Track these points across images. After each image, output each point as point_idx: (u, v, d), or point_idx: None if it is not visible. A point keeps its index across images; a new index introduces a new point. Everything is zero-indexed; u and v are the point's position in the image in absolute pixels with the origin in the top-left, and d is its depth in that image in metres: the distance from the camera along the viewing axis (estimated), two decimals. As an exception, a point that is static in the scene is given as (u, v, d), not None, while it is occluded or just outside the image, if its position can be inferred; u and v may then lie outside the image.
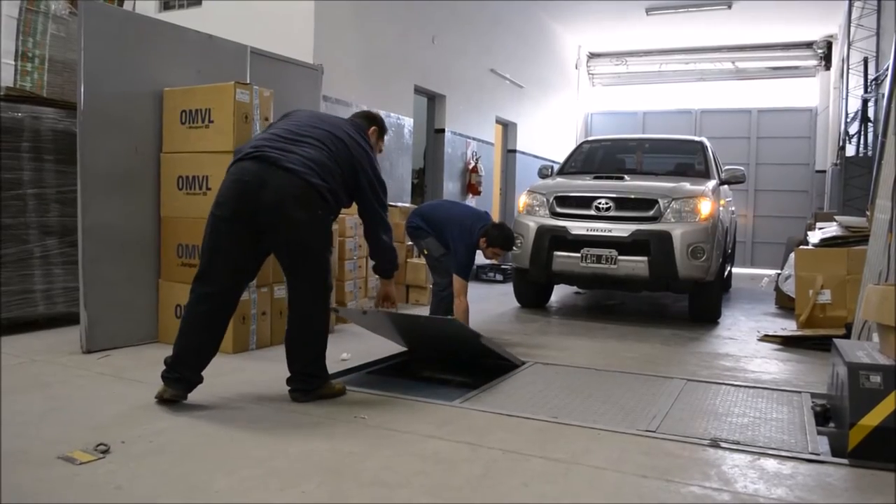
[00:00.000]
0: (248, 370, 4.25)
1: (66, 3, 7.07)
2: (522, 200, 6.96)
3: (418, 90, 9.19)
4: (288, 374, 3.63)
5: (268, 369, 4.20)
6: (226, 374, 4.05)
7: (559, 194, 6.70)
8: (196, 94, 4.86)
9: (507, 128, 12.31)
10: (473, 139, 10.57)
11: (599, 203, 6.44)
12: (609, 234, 6.27)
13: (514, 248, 5.66)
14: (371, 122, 3.95)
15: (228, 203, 3.38)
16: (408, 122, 8.80)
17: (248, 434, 3.09)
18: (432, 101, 9.74)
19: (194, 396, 3.47)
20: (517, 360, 4.69)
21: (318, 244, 3.50)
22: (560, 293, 8.57)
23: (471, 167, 10.46)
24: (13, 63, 6.71)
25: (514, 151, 12.43)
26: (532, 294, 7.41)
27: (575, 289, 8.82)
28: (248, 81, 5.46)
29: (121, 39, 4.76)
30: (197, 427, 3.15)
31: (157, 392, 3.39)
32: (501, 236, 5.16)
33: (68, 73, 6.56)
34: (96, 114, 4.61)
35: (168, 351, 3.47)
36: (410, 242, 7.53)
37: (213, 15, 7.64)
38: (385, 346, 5.00)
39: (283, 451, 2.88)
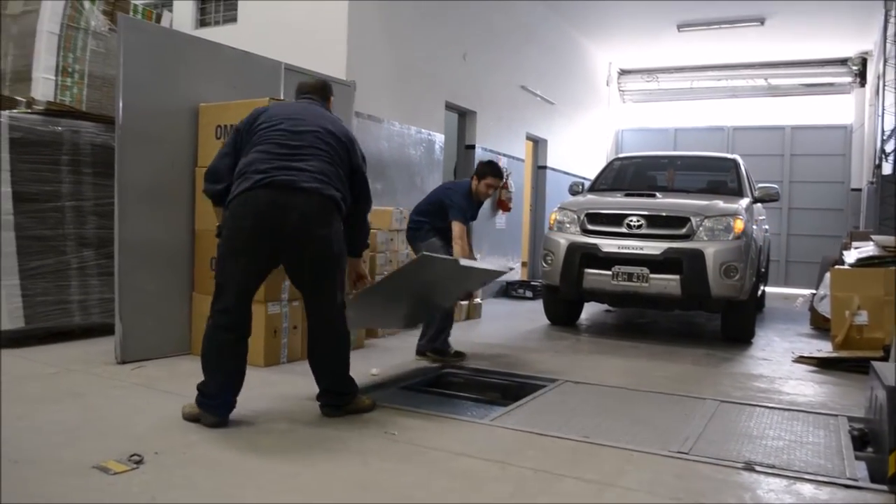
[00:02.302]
0: (279, 384, 4.27)
1: (106, 20, 7.22)
2: (553, 217, 6.94)
3: (449, 106, 9.22)
4: (317, 390, 3.64)
5: (298, 383, 4.21)
6: (257, 387, 4.07)
7: (590, 211, 6.67)
8: (231, 109, 4.93)
9: (538, 144, 12.29)
10: (504, 155, 10.56)
11: (631, 220, 6.39)
12: (640, 251, 6.22)
13: (502, 177, 5.57)
14: (327, 93, 3.93)
15: (249, 236, 3.34)
16: (439, 139, 8.83)
17: (278, 448, 3.10)
18: (463, 118, 9.76)
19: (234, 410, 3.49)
20: (502, 270, 5.02)
21: (339, 256, 3.53)
22: (590, 311, 8.51)
23: (501, 183, 10.44)
24: (54, 78, 6.86)
25: (545, 168, 12.40)
26: (562, 311, 7.37)
27: (605, 307, 8.75)
28: (282, 97, 5.52)
29: (158, 56, 4.85)
30: (228, 440, 3.17)
31: (191, 414, 3.40)
32: (488, 165, 5.30)
33: (107, 88, 6.69)
34: (134, 128, 4.70)
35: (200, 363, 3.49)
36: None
37: (248, 32, 7.74)
38: (418, 362, 5.00)
39: (312, 466, 2.89)
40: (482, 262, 4.94)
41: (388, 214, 6.47)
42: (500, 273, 5.08)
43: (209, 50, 5.30)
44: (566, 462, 3.02)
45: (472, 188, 5.24)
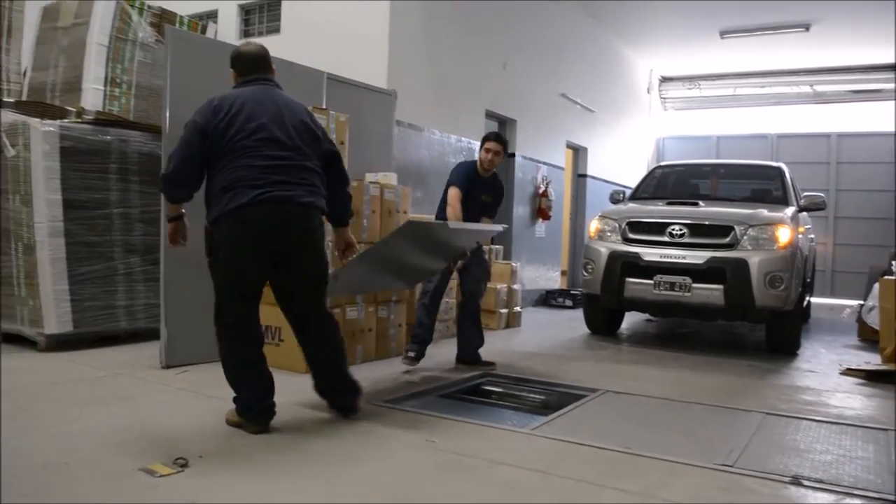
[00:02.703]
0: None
1: (153, 32, 7.38)
2: (594, 226, 6.89)
3: (489, 115, 9.23)
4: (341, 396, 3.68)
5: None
6: (299, 393, 4.11)
7: (632, 220, 6.61)
8: (275, 118, 4.98)
9: (578, 152, 12.23)
10: (544, 164, 10.54)
11: (673, 229, 6.32)
12: (683, 260, 6.15)
13: (501, 141, 5.17)
14: (272, 66, 3.67)
15: (253, 250, 3.34)
16: (478, 147, 8.84)
17: (320, 452, 3.12)
18: (503, 126, 9.76)
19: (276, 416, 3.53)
20: (496, 227, 5.00)
21: (327, 263, 3.65)
22: (630, 320, 8.43)
23: (541, 192, 10.42)
24: (103, 88, 7.03)
25: (585, 176, 12.33)
26: (602, 321, 7.30)
27: (646, 316, 8.66)
28: (324, 106, 5.58)
29: (204, 66, 4.93)
30: (271, 444, 3.20)
31: (234, 422, 3.43)
32: (489, 132, 5.25)
33: (153, 98, 6.83)
34: (178, 137, 4.76)
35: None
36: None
37: (292, 42, 7.84)
38: (457, 369, 5.00)
39: (353, 472, 2.91)
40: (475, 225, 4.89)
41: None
42: (495, 231, 5.02)
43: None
44: (608, 473, 2.99)
45: (474, 166, 5.18)
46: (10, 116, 5.33)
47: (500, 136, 5.18)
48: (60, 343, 5.09)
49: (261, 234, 3.30)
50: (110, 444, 3.11)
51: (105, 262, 5.37)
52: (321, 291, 3.60)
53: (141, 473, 2.74)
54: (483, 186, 5.15)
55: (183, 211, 3.54)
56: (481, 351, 5.27)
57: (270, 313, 4.86)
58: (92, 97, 6.90)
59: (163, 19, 7.53)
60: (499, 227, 5.11)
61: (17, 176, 5.23)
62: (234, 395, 3.44)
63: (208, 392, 4.05)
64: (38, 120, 5.16)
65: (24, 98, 6.84)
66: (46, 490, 2.56)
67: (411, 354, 5.00)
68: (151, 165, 5.51)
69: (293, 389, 4.00)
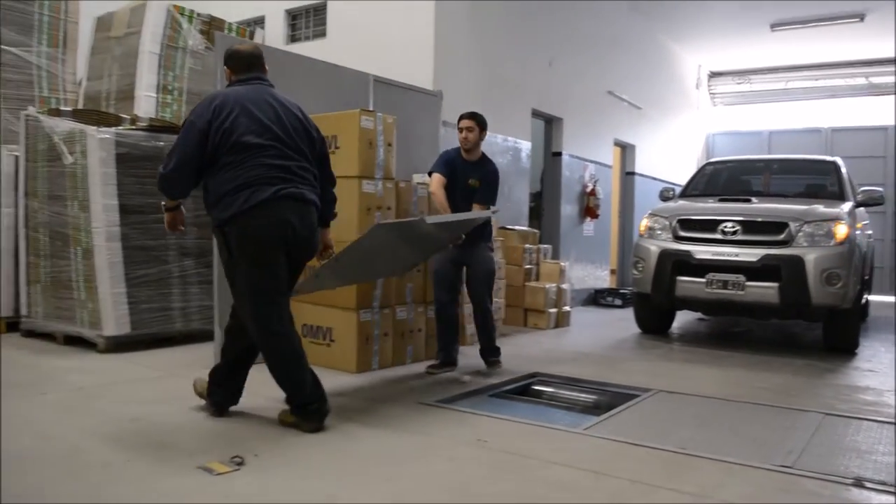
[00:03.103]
0: (372, 389, 4.34)
1: (203, 39, 7.52)
2: (644, 223, 6.81)
3: (535, 114, 9.18)
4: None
5: (390, 388, 4.28)
6: (350, 393, 4.15)
7: (682, 217, 6.52)
8: (323, 121, 5.01)
9: (626, 150, 12.09)
10: (591, 162, 10.45)
11: (725, 226, 6.21)
12: (736, 258, 6.03)
13: (473, 118, 4.97)
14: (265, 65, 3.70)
15: (277, 245, 3.39)
16: (525, 146, 8.80)
17: (372, 452, 3.14)
18: (549, 125, 9.70)
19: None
20: (491, 211, 4.83)
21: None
22: (682, 319, 8.30)
23: (588, 190, 10.33)
24: (155, 96, 7.19)
25: (633, 174, 12.19)
26: (653, 320, 7.21)
27: (698, 315, 8.52)
28: (371, 108, 5.62)
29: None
30: (325, 443, 3.24)
31: (288, 422, 3.46)
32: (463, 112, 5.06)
33: (205, 103, 6.95)
34: (232, 141, 4.85)
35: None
36: (529, 265, 7.53)
37: (338, 45, 7.91)
38: (507, 369, 4.98)
39: (407, 470, 2.92)
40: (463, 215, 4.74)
41: (476, 222, 6.47)
42: (481, 217, 4.73)
43: (301, 64, 5.45)
44: (662, 473, 2.95)
45: (454, 151, 5.08)
46: (67, 124, 5.48)
47: (473, 113, 5.00)
48: (119, 344, 5.22)
49: (284, 225, 3.37)
50: (169, 442, 3.18)
51: (160, 265, 5.48)
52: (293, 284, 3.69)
53: (199, 471, 2.79)
54: (469, 170, 4.95)
55: (181, 200, 3.63)
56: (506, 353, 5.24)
57: (323, 314, 4.94)
58: (145, 104, 7.07)
59: (212, 26, 7.67)
60: (486, 213, 4.82)
61: (74, 182, 5.38)
62: (288, 394, 3.47)
63: (262, 392, 4.10)
64: (94, 127, 5.29)
65: (80, 107, 7.03)
66: (109, 486, 2.63)
67: (434, 362, 4.99)
68: (203, 170, 5.60)
69: (343, 389, 4.03)
